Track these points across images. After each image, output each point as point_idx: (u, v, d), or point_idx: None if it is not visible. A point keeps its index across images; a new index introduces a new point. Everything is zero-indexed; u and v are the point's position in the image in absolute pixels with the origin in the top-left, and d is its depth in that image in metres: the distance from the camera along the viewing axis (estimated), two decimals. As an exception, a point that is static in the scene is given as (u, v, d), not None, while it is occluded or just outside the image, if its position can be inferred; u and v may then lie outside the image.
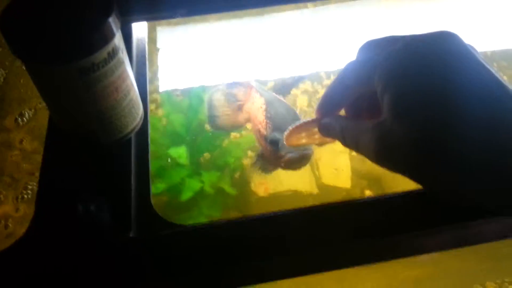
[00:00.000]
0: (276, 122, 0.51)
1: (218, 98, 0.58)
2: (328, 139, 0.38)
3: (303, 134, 0.39)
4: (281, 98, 0.56)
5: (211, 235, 0.34)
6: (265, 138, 0.52)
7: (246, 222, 0.34)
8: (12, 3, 0.33)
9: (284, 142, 0.40)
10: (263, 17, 0.79)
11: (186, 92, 0.71)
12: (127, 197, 0.36)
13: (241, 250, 0.33)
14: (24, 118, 0.72)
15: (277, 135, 0.50)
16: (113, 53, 0.33)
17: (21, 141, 0.70)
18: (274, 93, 0.57)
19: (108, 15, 0.32)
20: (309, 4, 0.79)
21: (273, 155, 0.51)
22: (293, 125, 0.39)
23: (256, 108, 0.55)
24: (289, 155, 0.49)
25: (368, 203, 0.38)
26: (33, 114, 0.73)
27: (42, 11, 0.32)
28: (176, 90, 0.72)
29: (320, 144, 0.40)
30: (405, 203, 0.37)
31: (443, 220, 0.36)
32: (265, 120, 0.53)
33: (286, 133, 0.39)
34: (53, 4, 0.33)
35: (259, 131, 0.54)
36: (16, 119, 0.72)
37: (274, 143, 0.50)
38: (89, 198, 0.34)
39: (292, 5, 0.75)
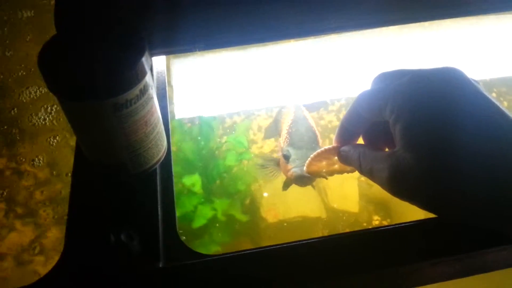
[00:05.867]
0: (293, 138, 0.56)
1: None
2: (348, 168, 0.40)
3: (324, 163, 0.41)
4: (309, 117, 0.61)
5: (238, 264, 0.35)
6: (281, 149, 0.58)
7: (273, 251, 0.35)
8: (49, 43, 0.34)
9: (304, 169, 0.42)
10: (267, 47, 0.82)
11: (196, 121, 0.73)
12: (154, 227, 0.37)
13: (268, 279, 0.34)
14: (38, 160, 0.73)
15: (290, 150, 0.55)
16: (144, 90, 0.35)
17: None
18: (306, 112, 0.63)
19: (142, 55, 0.34)
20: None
21: (284, 167, 0.57)
22: (314, 154, 0.40)
23: (286, 121, 0.61)
24: (293, 170, 0.54)
25: (378, 232, 0.38)
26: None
27: (79, 50, 0.34)
28: (186, 118, 0.74)
29: (340, 172, 0.41)
30: (416, 232, 0.37)
31: (456, 249, 0.37)
32: (285, 134, 0.58)
33: (307, 161, 0.41)
34: (89, 44, 0.34)
35: (279, 141, 0.60)
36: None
37: (285, 157, 0.55)
38: (119, 229, 0.35)
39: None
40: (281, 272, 0.34)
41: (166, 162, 0.42)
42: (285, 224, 0.69)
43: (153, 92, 0.37)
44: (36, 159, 0.72)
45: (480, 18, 0.82)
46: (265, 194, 0.70)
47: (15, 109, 0.78)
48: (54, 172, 0.72)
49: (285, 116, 0.64)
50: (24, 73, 0.81)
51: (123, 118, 0.34)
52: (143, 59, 0.34)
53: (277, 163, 0.61)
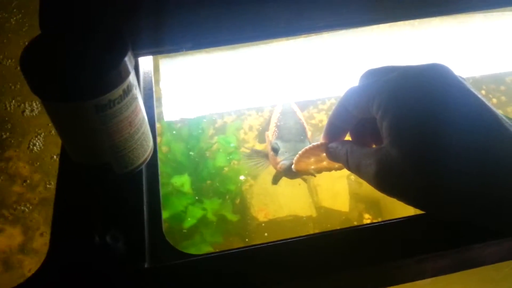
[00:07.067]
0: (282, 131, 0.57)
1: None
2: (336, 165, 0.40)
3: (312, 159, 0.41)
4: (297, 111, 0.61)
5: (225, 263, 0.35)
6: (270, 142, 0.58)
7: (259, 249, 0.35)
8: (31, 44, 0.34)
9: (293, 166, 0.42)
10: (257, 46, 0.82)
11: (186, 121, 0.73)
12: (140, 228, 0.37)
13: (254, 278, 0.34)
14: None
15: (278, 143, 0.56)
16: (128, 90, 0.35)
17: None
18: (295, 105, 0.63)
19: (124, 55, 0.33)
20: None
21: (273, 160, 0.57)
22: (302, 150, 0.40)
23: (274, 115, 0.62)
24: (282, 163, 0.54)
25: (364, 229, 0.38)
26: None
27: (61, 50, 0.34)
28: (175, 119, 0.74)
29: (328, 169, 0.41)
30: (405, 229, 0.37)
31: (444, 245, 0.37)
32: (274, 127, 0.59)
33: (295, 158, 0.41)
34: (71, 44, 0.34)
35: (268, 135, 0.61)
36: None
37: (274, 150, 0.56)
38: (104, 230, 0.35)
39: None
40: (268, 270, 0.34)
41: (153, 163, 0.41)
42: (276, 223, 0.69)
43: (137, 92, 0.37)
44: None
45: (469, 16, 0.82)
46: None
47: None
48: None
49: (274, 109, 0.64)
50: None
51: (107, 118, 0.34)
52: (126, 58, 0.33)
53: (264, 155, 0.62)
